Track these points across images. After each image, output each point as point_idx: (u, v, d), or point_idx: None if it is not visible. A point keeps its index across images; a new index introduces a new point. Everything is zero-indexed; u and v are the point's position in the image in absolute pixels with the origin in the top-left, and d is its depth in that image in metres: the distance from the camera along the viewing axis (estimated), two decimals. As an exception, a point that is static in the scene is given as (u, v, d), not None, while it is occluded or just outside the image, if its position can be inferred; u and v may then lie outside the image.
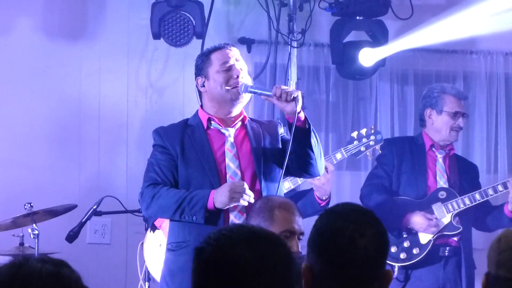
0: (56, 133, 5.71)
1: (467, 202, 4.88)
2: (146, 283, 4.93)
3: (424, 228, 4.83)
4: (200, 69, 3.85)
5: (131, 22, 5.79)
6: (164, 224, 4.67)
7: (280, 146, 3.81)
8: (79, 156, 5.73)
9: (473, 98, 6.02)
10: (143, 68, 5.84)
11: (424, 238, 4.87)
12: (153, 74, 5.86)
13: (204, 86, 3.83)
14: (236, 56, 3.84)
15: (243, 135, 3.81)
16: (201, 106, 3.88)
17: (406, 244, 4.87)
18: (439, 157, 4.99)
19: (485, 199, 4.89)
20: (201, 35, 5.39)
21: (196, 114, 3.88)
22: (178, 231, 3.74)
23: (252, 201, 3.60)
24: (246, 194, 3.59)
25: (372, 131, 4.90)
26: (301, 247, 3.47)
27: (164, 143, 3.78)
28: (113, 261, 5.67)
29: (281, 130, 3.90)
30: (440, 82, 5.65)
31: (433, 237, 4.86)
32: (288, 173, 3.84)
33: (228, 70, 3.78)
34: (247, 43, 5.77)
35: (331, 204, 4.63)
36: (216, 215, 3.65)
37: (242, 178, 3.71)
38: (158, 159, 3.77)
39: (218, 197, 3.60)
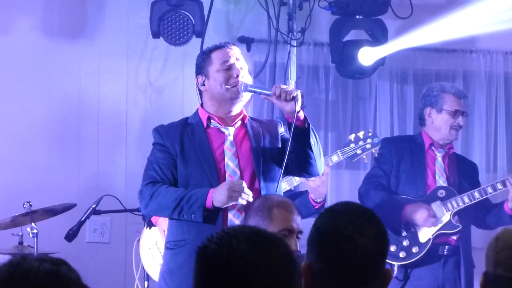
0: (55, 132, 5.71)
1: (466, 200, 4.88)
2: (146, 282, 4.92)
3: (423, 218, 4.82)
4: (201, 68, 3.85)
5: (130, 21, 5.79)
6: (160, 220, 4.67)
7: (280, 146, 3.81)
8: (78, 155, 5.73)
9: (472, 97, 6.02)
10: (143, 67, 5.84)
11: (424, 237, 4.87)
12: (153, 73, 5.86)
13: (204, 85, 3.83)
14: (237, 55, 3.84)
15: (243, 134, 3.81)
16: (201, 105, 3.88)
17: (405, 243, 4.87)
18: (439, 156, 4.99)
19: (484, 197, 4.88)
20: (201, 34, 5.39)
21: (196, 113, 3.88)
22: (177, 230, 3.74)
23: (251, 200, 3.59)
24: (244, 193, 3.59)
25: (370, 134, 4.89)
26: (300, 246, 3.47)
27: (164, 141, 3.78)
28: (112, 260, 5.67)
29: (281, 129, 3.90)
30: (440, 81, 5.66)
31: (432, 235, 4.86)
32: (287, 173, 3.84)
33: (228, 69, 3.78)
34: (246, 42, 5.76)
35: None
36: (215, 213, 3.64)
37: (241, 177, 3.71)
38: (158, 158, 3.77)
39: (217, 196, 3.60)
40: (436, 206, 4.87)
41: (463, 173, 5.04)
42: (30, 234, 4.71)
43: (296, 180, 4.73)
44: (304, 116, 3.66)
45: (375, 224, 2.14)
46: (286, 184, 4.70)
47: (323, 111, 5.95)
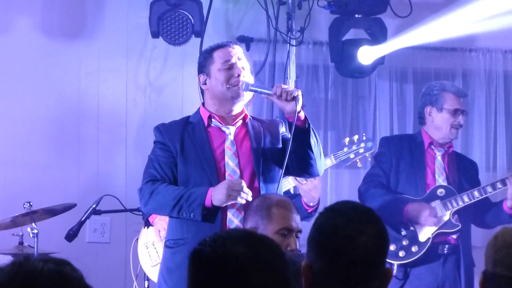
0: (55, 132, 5.71)
1: (466, 199, 4.88)
2: (146, 282, 4.92)
3: (426, 217, 4.81)
4: (202, 67, 3.86)
5: (130, 21, 5.79)
6: (156, 220, 4.67)
7: (281, 146, 3.82)
8: (78, 155, 5.73)
9: (472, 96, 6.02)
10: (142, 67, 5.84)
11: (423, 236, 4.87)
12: (152, 73, 5.86)
13: (205, 83, 3.84)
14: (239, 54, 3.84)
15: (243, 134, 3.81)
16: (203, 104, 3.89)
17: (405, 242, 4.87)
18: (438, 155, 4.99)
19: (484, 196, 4.88)
20: (200, 34, 5.39)
21: (197, 112, 3.88)
22: (176, 228, 3.74)
23: (250, 199, 3.59)
24: (243, 192, 3.58)
25: (364, 138, 4.85)
26: (299, 245, 3.47)
27: (164, 139, 3.79)
28: (113, 259, 5.67)
29: (282, 129, 3.90)
30: (439, 80, 5.66)
31: (432, 234, 4.86)
32: (288, 173, 3.84)
33: (230, 69, 3.78)
34: (246, 41, 5.76)
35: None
36: (214, 212, 3.65)
37: (241, 177, 3.71)
38: (158, 156, 3.78)
39: (216, 195, 3.60)
40: (435, 205, 4.88)
41: (463, 172, 5.04)
42: (31, 234, 4.71)
43: (290, 183, 4.72)
44: (305, 116, 3.66)
45: (375, 223, 2.14)
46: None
47: (323, 110, 5.95)
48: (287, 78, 5.56)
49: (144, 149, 5.27)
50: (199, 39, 5.39)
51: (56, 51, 5.72)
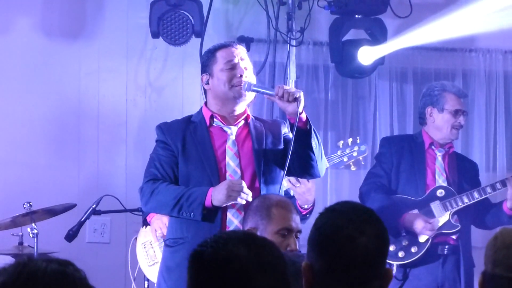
0: (55, 132, 5.71)
1: (466, 200, 4.88)
2: (146, 282, 4.92)
3: (419, 230, 4.82)
4: (205, 66, 3.86)
5: (130, 21, 5.79)
6: (153, 219, 4.65)
7: (282, 146, 3.81)
8: (78, 155, 5.73)
9: (472, 96, 6.02)
10: (142, 67, 5.84)
11: (423, 236, 4.87)
12: (152, 73, 5.86)
13: (208, 83, 3.84)
14: (242, 55, 3.84)
15: (245, 134, 3.81)
16: (205, 103, 3.89)
17: (404, 242, 4.87)
18: (439, 155, 4.99)
19: (484, 197, 4.88)
20: (200, 34, 5.39)
21: (200, 111, 3.88)
22: (176, 228, 3.75)
23: (250, 199, 3.59)
24: (244, 192, 3.58)
25: (358, 142, 4.83)
26: (300, 246, 3.47)
27: (166, 139, 3.79)
28: (113, 260, 5.66)
29: (285, 130, 3.89)
30: (439, 80, 5.65)
31: (431, 235, 4.86)
32: (289, 174, 3.84)
33: (232, 69, 3.78)
34: (246, 41, 5.76)
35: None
36: (214, 212, 3.65)
37: (242, 177, 3.71)
38: (159, 155, 3.78)
39: (216, 195, 3.60)
40: (435, 205, 4.87)
41: (463, 173, 5.04)
42: (30, 235, 4.71)
43: (283, 185, 4.71)
44: (306, 117, 3.66)
45: (375, 224, 2.14)
46: None
47: (323, 110, 5.95)
48: (287, 78, 5.56)
49: (144, 149, 5.28)
50: (199, 39, 5.39)
51: (56, 51, 5.72)
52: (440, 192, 4.90)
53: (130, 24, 5.79)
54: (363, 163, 4.88)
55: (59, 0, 5.73)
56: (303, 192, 4.53)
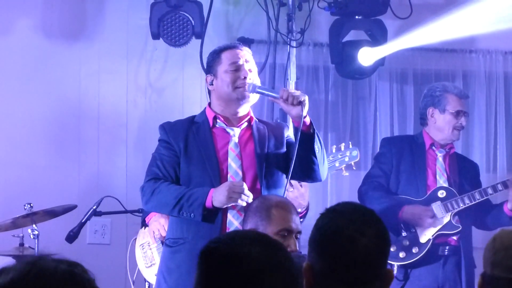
0: (55, 134, 5.71)
1: (467, 201, 4.88)
2: (146, 283, 4.91)
3: (420, 218, 4.81)
4: (210, 67, 3.87)
5: (130, 22, 5.79)
6: (151, 220, 4.64)
7: (285, 150, 3.81)
8: (78, 157, 5.74)
9: (472, 97, 6.01)
10: (142, 68, 5.84)
11: (424, 237, 4.87)
12: (152, 74, 5.86)
13: (212, 84, 3.84)
14: (247, 57, 3.84)
15: (248, 136, 3.81)
16: (209, 104, 3.88)
17: (405, 243, 4.87)
18: (439, 156, 4.99)
19: (485, 198, 4.88)
20: (200, 35, 5.39)
21: (203, 112, 3.88)
22: (177, 228, 3.75)
23: (251, 201, 3.59)
24: (244, 194, 3.58)
25: (350, 147, 4.81)
26: (300, 247, 3.48)
27: (169, 138, 3.79)
28: (113, 261, 5.66)
29: (288, 133, 3.89)
30: (440, 81, 5.65)
31: (432, 236, 4.86)
32: (291, 177, 3.85)
33: (236, 70, 3.78)
34: (246, 43, 5.73)
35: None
36: (214, 213, 3.65)
37: (243, 179, 3.71)
38: (161, 154, 3.79)
39: (217, 196, 3.60)
40: (436, 206, 4.87)
41: (464, 173, 5.04)
42: (31, 236, 4.71)
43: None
44: (310, 121, 3.65)
45: (376, 225, 2.15)
46: None
47: (323, 111, 5.95)
48: (287, 79, 5.55)
49: (144, 150, 5.28)
50: (200, 40, 5.40)
51: (56, 52, 5.72)
52: (441, 193, 4.90)
53: (131, 25, 5.79)
54: (354, 168, 4.85)
55: (59, 1, 5.74)
56: (296, 196, 4.52)
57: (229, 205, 3.63)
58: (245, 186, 3.60)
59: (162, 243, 4.29)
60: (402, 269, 4.88)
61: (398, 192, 4.96)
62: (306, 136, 3.63)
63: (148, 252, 4.79)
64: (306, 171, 3.72)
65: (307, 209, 4.61)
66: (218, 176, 3.71)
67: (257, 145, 3.76)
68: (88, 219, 4.97)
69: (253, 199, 3.60)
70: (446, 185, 4.93)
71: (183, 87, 5.82)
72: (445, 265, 4.89)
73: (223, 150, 3.76)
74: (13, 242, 4.91)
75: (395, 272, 4.82)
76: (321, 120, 5.92)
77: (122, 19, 5.79)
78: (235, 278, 1.93)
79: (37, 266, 1.66)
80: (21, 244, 4.88)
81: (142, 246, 4.82)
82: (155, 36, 5.40)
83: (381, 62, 5.66)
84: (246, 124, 3.83)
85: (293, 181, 4.41)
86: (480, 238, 5.36)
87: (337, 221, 2.13)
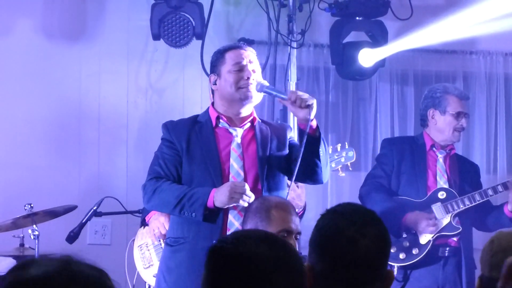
0: (56, 134, 5.71)
1: (467, 202, 4.88)
2: (147, 284, 4.91)
3: (423, 227, 4.83)
4: (214, 67, 3.86)
5: (130, 23, 5.79)
6: (151, 219, 4.64)
7: (287, 151, 3.81)
8: (79, 157, 5.74)
9: (473, 98, 6.01)
10: (143, 69, 5.84)
11: (424, 238, 4.87)
12: (153, 75, 5.86)
13: (216, 84, 3.83)
14: (251, 57, 3.83)
15: (250, 137, 3.80)
16: (212, 104, 3.88)
17: (405, 244, 4.87)
18: (440, 157, 4.99)
19: (485, 199, 4.88)
20: (201, 36, 5.39)
21: (206, 111, 3.88)
22: (177, 227, 3.75)
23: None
24: (246, 195, 3.58)
25: (346, 147, 4.80)
26: (301, 248, 3.47)
27: (171, 137, 3.79)
28: (114, 262, 5.63)
29: (291, 134, 3.89)
30: (440, 82, 5.65)
31: (432, 237, 4.86)
32: (291, 178, 3.84)
33: (240, 71, 3.78)
34: (246, 43, 5.76)
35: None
36: (215, 213, 3.64)
37: (245, 180, 3.70)
38: (164, 153, 3.79)
39: (218, 196, 3.60)
40: (436, 207, 4.87)
41: (465, 174, 5.03)
42: (31, 236, 4.71)
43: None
44: (317, 125, 3.64)
45: (377, 226, 2.15)
46: None
47: (323, 112, 5.95)
48: (288, 80, 5.56)
49: (145, 151, 5.29)
50: (200, 41, 5.40)
51: (57, 53, 5.72)
52: (441, 194, 4.89)
53: (131, 26, 5.79)
54: (350, 169, 4.84)
55: (59, 2, 5.74)
56: (293, 197, 4.52)
57: (231, 206, 3.63)
58: (247, 187, 3.60)
59: (163, 241, 4.29)
60: (402, 270, 4.88)
61: (399, 193, 4.95)
62: (312, 139, 3.62)
63: (146, 253, 4.78)
64: (309, 173, 3.72)
65: (304, 209, 4.61)
66: (220, 176, 3.71)
67: (260, 146, 3.76)
68: (88, 219, 4.97)
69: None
70: (446, 186, 4.93)
71: (183, 88, 5.83)
72: (445, 266, 4.89)
73: (226, 150, 3.76)
74: (14, 242, 4.92)
75: (395, 273, 4.82)
76: (322, 121, 5.91)
77: (122, 19, 5.79)
78: (240, 277, 1.92)
79: (72, 268, 1.67)
80: (22, 245, 4.89)
81: (140, 247, 4.81)
82: (156, 37, 5.40)
83: (381, 63, 5.66)
84: (249, 124, 3.83)
85: (289, 182, 4.42)
86: (481, 239, 5.35)
87: (337, 222, 2.13)
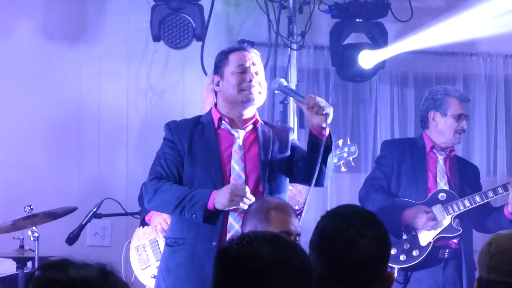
0: (56, 135, 5.72)
1: (467, 204, 4.87)
2: (146, 287, 4.91)
3: (423, 222, 4.82)
4: (217, 68, 3.85)
5: (131, 25, 5.80)
6: (153, 216, 4.63)
7: (289, 153, 3.80)
8: (79, 159, 5.74)
9: (473, 100, 6.02)
10: (143, 70, 5.84)
11: (424, 240, 4.87)
12: (153, 77, 5.86)
13: (219, 85, 3.83)
14: (254, 59, 3.82)
15: (252, 139, 3.79)
16: (215, 105, 3.88)
17: (405, 246, 4.87)
18: (440, 159, 4.99)
19: (485, 201, 4.88)
20: (201, 38, 5.39)
21: (209, 112, 3.87)
22: (177, 227, 3.75)
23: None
24: (246, 197, 3.57)
25: (348, 143, 4.79)
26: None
27: (173, 137, 3.78)
28: (114, 263, 5.66)
29: (293, 136, 3.89)
30: (440, 84, 5.66)
31: (433, 238, 4.86)
32: (293, 180, 3.84)
33: (243, 73, 3.76)
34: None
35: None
36: (216, 215, 3.64)
37: (246, 182, 3.69)
38: (165, 153, 3.78)
39: (219, 198, 3.59)
40: (436, 209, 4.87)
41: (465, 176, 5.03)
42: (31, 238, 4.70)
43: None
44: (329, 133, 3.62)
45: (377, 227, 2.15)
46: None
47: (324, 114, 5.94)
48: (288, 82, 5.56)
49: (145, 152, 5.29)
50: (200, 43, 5.40)
51: (57, 54, 5.72)
52: (441, 196, 4.89)
53: (131, 27, 5.80)
54: (353, 164, 4.85)
55: (60, 4, 5.74)
56: (294, 194, 4.53)
57: (231, 208, 3.62)
58: (247, 190, 3.59)
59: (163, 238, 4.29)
60: (403, 271, 4.88)
61: (399, 195, 4.95)
62: (324, 147, 3.60)
63: (143, 254, 4.78)
64: (312, 178, 3.70)
65: (303, 205, 4.60)
66: (221, 178, 3.70)
67: (261, 149, 3.75)
68: (88, 221, 4.97)
69: (254, 202, 3.60)
70: (446, 188, 4.92)
71: (183, 90, 5.83)
72: (446, 268, 4.89)
73: (227, 152, 3.75)
74: (13, 244, 4.91)
75: (395, 274, 4.82)
76: (322, 122, 5.91)
77: (123, 21, 5.80)
78: (242, 279, 1.92)
79: (112, 278, 1.75)
80: (21, 246, 4.88)
81: (137, 249, 4.81)
82: (156, 39, 5.40)
83: (381, 65, 5.67)
84: (251, 126, 3.82)
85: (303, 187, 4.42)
86: (481, 241, 5.33)
87: (337, 224, 2.14)
